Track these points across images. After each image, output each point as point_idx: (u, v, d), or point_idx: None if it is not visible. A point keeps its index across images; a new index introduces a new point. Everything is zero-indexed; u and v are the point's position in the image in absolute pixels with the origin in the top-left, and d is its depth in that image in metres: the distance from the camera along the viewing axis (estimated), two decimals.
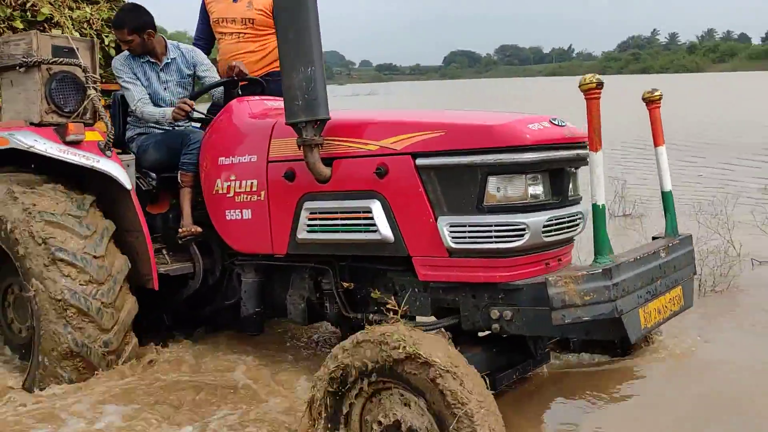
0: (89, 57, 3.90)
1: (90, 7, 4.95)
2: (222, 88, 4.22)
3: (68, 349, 3.42)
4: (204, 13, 4.98)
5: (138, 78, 4.32)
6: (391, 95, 52.91)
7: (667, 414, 3.18)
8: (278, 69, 4.83)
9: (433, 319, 3.19)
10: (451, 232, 2.91)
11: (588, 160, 2.58)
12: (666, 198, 3.09)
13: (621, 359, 3.69)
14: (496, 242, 2.83)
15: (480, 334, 3.19)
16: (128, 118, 4.38)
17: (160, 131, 4.31)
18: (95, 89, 3.82)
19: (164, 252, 3.95)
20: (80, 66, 3.77)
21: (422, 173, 2.99)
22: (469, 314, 3.00)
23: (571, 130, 2.99)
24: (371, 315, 3.31)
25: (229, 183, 3.65)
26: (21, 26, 4.54)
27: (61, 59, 3.72)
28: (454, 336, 3.12)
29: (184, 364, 3.84)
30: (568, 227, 3.00)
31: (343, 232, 3.22)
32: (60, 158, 3.63)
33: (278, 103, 4.08)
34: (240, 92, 4.10)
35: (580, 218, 3.07)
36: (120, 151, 4.15)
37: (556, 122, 2.97)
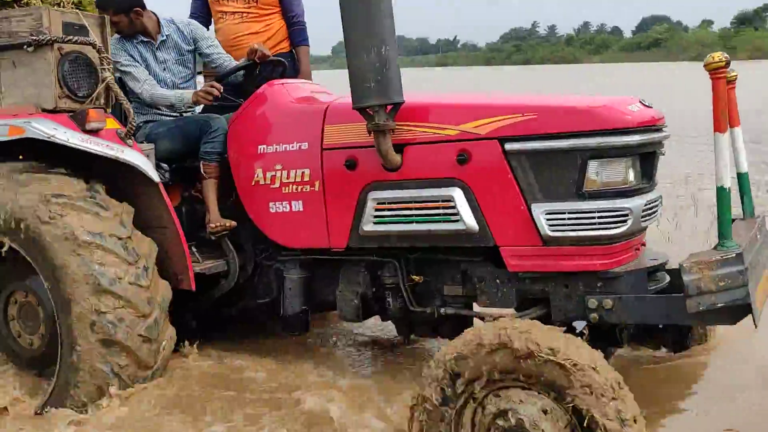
0: (100, 35, 3.49)
1: None
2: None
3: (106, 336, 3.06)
4: None
5: (135, 60, 3.96)
6: None
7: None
8: (284, 51, 4.59)
9: (511, 311, 3.08)
10: (548, 219, 2.80)
11: (714, 141, 2.53)
12: (742, 179, 3.10)
13: (680, 353, 3.56)
14: (599, 229, 2.74)
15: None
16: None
17: (171, 118, 3.96)
18: (110, 71, 3.42)
19: (193, 249, 3.60)
20: (94, 45, 3.36)
21: (511, 159, 2.86)
22: (560, 304, 2.89)
23: (658, 112, 2.95)
24: (442, 309, 3.16)
25: (273, 173, 3.37)
26: None
27: (76, 37, 3.29)
28: None
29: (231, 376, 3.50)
30: (656, 211, 2.96)
31: (418, 222, 3.04)
32: (82, 148, 3.22)
33: (315, 86, 3.84)
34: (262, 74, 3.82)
35: (661, 202, 3.04)
36: None
37: (646, 103, 2.92)
